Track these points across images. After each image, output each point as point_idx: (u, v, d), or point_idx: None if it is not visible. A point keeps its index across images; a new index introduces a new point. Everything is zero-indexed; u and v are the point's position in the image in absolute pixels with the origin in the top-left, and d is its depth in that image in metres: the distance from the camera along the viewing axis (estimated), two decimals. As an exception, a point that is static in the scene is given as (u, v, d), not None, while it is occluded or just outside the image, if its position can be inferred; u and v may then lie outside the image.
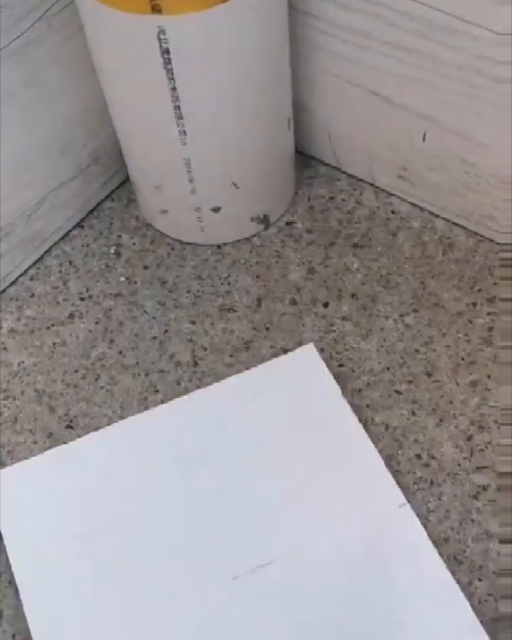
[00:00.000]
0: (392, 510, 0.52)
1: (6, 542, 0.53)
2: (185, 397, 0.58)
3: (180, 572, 0.51)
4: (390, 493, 0.53)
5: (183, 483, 0.54)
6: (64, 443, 0.58)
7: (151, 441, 0.56)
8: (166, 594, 0.50)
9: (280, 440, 0.55)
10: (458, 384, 0.59)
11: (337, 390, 0.57)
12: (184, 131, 0.56)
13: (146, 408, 0.59)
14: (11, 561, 0.52)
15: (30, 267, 0.67)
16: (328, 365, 0.59)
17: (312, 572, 0.50)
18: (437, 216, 0.66)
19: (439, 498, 0.54)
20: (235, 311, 0.63)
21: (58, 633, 0.50)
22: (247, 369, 0.59)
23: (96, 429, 0.57)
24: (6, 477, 0.55)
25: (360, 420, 0.57)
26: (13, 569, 0.52)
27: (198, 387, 0.59)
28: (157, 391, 0.60)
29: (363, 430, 0.55)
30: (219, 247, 0.67)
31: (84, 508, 0.53)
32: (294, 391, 0.57)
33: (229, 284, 0.65)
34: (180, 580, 0.51)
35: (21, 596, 0.51)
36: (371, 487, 0.53)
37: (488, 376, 0.59)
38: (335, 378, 0.58)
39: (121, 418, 0.58)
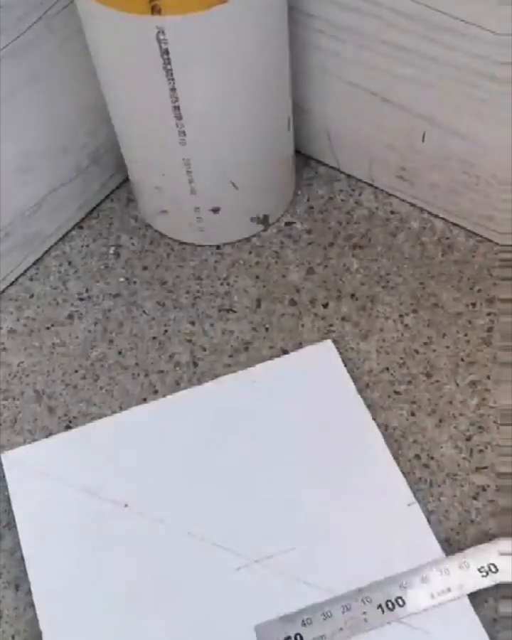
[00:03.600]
0: (401, 509, 0.52)
1: (18, 521, 0.53)
2: (202, 385, 0.58)
3: (187, 559, 0.51)
4: (399, 491, 0.53)
5: (195, 471, 0.54)
6: (63, 443, 0.58)
7: (164, 428, 0.56)
8: (173, 580, 0.50)
9: (293, 433, 0.55)
10: (457, 384, 0.59)
11: (352, 387, 0.57)
12: (183, 132, 0.56)
13: (146, 408, 0.59)
14: (21, 539, 0.53)
15: (29, 268, 0.67)
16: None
17: (317, 565, 0.50)
18: (437, 216, 0.66)
19: (439, 499, 0.54)
20: (235, 311, 0.63)
21: (64, 616, 0.50)
22: (245, 369, 0.59)
23: (95, 429, 0.58)
24: (14, 457, 0.56)
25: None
26: (23, 547, 0.53)
27: (198, 387, 0.60)
28: (156, 391, 0.60)
29: (376, 428, 0.55)
30: (218, 247, 0.67)
31: (94, 491, 0.54)
32: (310, 386, 0.57)
33: (228, 284, 0.65)
34: (187, 567, 0.51)
35: (29, 575, 0.51)
36: (380, 484, 0.53)
37: (488, 377, 0.59)
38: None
39: (121, 418, 0.59)
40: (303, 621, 0.47)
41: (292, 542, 0.51)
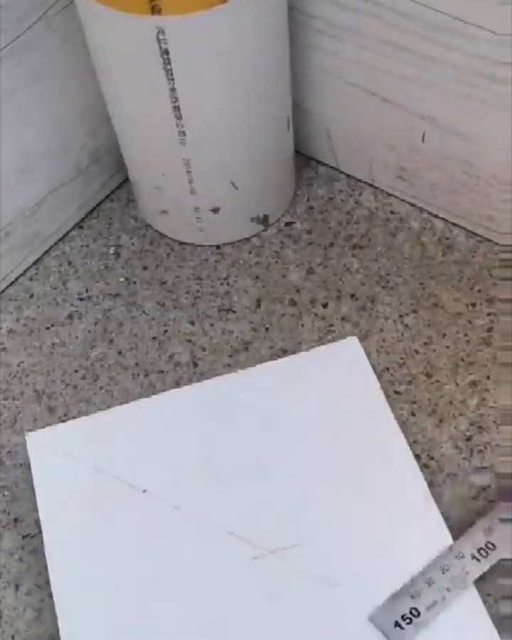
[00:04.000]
0: (417, 511, 0.52)
1: (39, 503, 0.54)
2: (221, 376, 0.58)
3: (203, 546, 0.51)
4: (418, 493, 0.53)
5: (214, 461, 0.54)
6: (63, 443, 0.58)
7: (185, 417, 0.56)
8: (189, 567, 0.51)
9: (315, 429, 0.55)
10: (457, 384, 0.59)
11: (377, 385, 0.57)
12: (183, 132, 0.56)
13: (146, 408, 0.59)
14: (41, 519, 0.53)
15: (29, 268, 0.67)
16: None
17: (331, 561, 0.50)
18: (436, 216, 0.66)
19: (439, 499, 0.54)
20: (234, 311, 0.63)
21: (81, 599, 0.50)
22: (244, 370, 0.59)
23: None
24: (38, 439, 0.56)
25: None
26: (42, 526, 0.53)
27: (198, 387, 0.60)
28: (156, 391, 0.60)
29: (398, 428, 0.55)
30: (218, 247, 0.67)
31: (115, 475, 0.54)
32: (334, 381, 0.57)
33: (228, 284, 0.65)
34: (203, 554, 0.51)
35: (47, 557, 0.52)
36: (399, 485, 0.53)
37: (488, 377, 0.59)
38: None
39: (121, 418, 0.59)
40: (411, 594, 0.48)
41: (309, 534, 0.51)
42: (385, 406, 0.56)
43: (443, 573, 0.48)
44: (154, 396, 0.58)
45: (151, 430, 0.56)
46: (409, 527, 0.51)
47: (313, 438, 0.55)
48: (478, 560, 0.49)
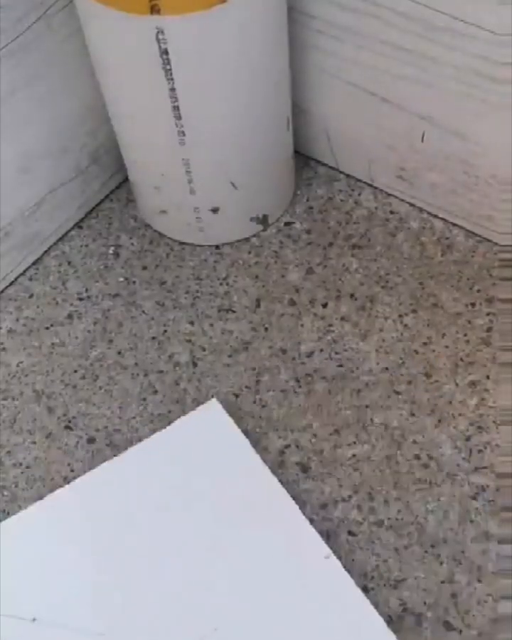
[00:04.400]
0: (318, 563, 0.51)
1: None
2: (103, 465, 0.55)
3: None
4: (314, 545, 0.51)
5: (102, 567, 0.52)
6: (63, 443, 0.58)
7: (72, 519, 0.53)
8: None
9: (199, 503, 0.53)
10: (457, 384, 0.59)
11: (246, 443, 0.55)
12: (183, 132, 0.56)
13: (145, 407, 0.59)
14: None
15: (29, 267, 0.67)
16: (326, 367, 0.59)
17: (245, 637, 0.49)
18: (436, 216, 0.66)
19: (438, 499, 0.54)
20: (234, 311, 0.63)
21: None
22: (245, 371, 0.59)
23: (95, 429, 0.58)
24: None
25: (358, 421, 0.57)
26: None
27: (197, 387, 0.59)
28: (156, 391, 0.60)
29: (279, 484, 0.53)
30: (218, 247, 0.67)
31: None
32: (204, 450, 0.55)
33: (228, 284, 0.65)
34: None
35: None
36: (295, 542, 0.52)
37: (487, 376, 0.59)
38: (331, 380, 0.57)
39: (120, 419, 0.59)
40: None
41: (214, 621, 0.49)
42: (261, 466, 0.54)
43: None
44: (21, 511, 0.54)
45: (28, 547, 0.52)
46: (313, 584, 0.50)
47: (201, 515, 0.53)
48: None
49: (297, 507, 0.52)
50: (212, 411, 0.57)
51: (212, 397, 0.57)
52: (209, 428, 0.56)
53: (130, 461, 0.55)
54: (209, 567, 0.51)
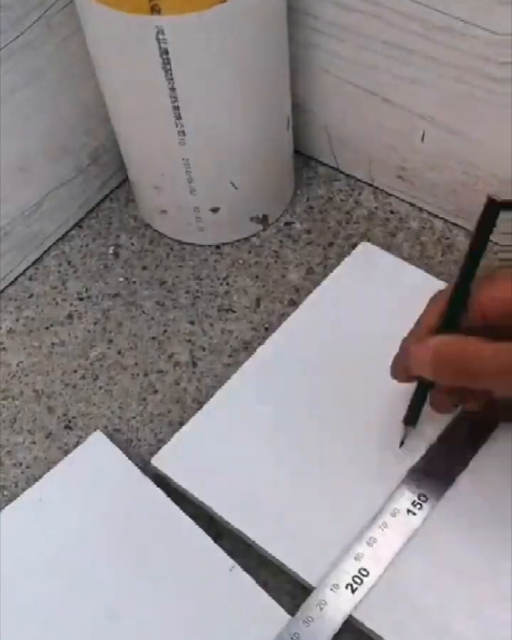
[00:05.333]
0: (224, 576, 0.50)
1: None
2: (12, 503, 0.54)
3: None
4: (218, 560, 0.50)
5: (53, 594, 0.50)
6: (63, 443, 0.58)
7: None
8: None
9: (103, 535, 0.52)
10: (457, 384, 0.58)
11: (134, 468, 0.54)
12: (183, 132, 0.56)
13: (145, 407, 0.59)
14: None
15: (28, 267, 0.67)
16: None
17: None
18: (436, 216, 0.66)
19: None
20: (234, 311, 0.63)
21: None
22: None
23: (95, 429, 0.57)
24: None
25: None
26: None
27: (197, 387, 0.59)
28: (156, 391, 0.60)
29: (173, 504, 0.52)
30: (218, 247, 0.67)
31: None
32: (96, 482, 0.54)
33: (228, 284, 0.65)
34: None
35: None
36: (198, 560, 0.50)
37: (487, 377, 0.59)
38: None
39: (120, 419, 0.58)
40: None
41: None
42: (152, 487, 0.53)
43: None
44: None
45: None
46: (222, 598, 0.49)
47: (106, 545, 0.51)
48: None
49: (195, 525, 0.51)
50: (98, 444, 0.55)
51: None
52: (97, 461, 0.55)
53: (23, 507, 0.54)
54: (116, 599, 0.50)
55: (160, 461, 0.54)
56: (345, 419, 0.54)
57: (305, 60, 0.62)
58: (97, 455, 0.55)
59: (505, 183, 0.59)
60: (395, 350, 0.48)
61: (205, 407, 0.56)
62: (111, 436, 0.57)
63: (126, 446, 0.57)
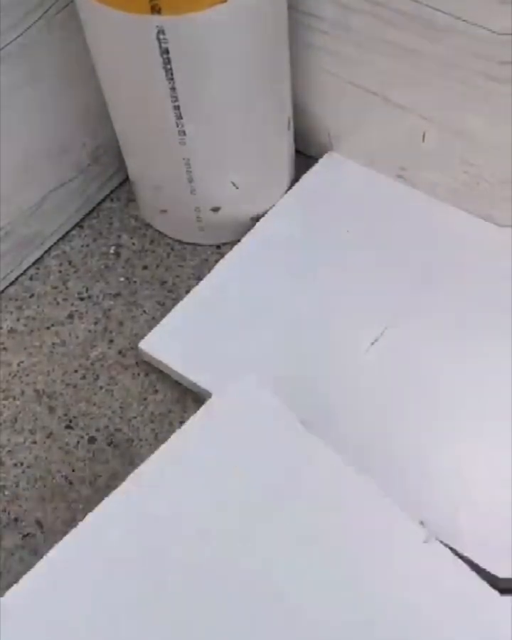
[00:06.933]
0: (418, 548, 0.46)
1: None
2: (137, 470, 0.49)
3: None
4: (411, 531, 0.46)
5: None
6: (64, 442, 0.58)
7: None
8: None
9: (261, 498, 0.48)
10: (457, 384, 0.59)
11: (293, 418, 0.49)
12: (183, 131, 0.56)
13: (146, 407, 0.59)
14: None
15: (29, 267, 0.67)
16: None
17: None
18: (437, 216, 0.66)
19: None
20: (235, 311, 0.63)
21: None
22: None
23: (96, 429, 0.57)
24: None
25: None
26: None
27: (198, 387, 0.60)
28: (156, 391, 0.60)
29: (352, 470, 0.47)
30: (218, 247, 0.67)
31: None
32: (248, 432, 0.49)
33: (228, 284, 0.65)
34: None
35: None
36: (390, 528, 0.47)
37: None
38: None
39: (121, 418, 0.59)
40: None
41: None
42: (315, 441, 0.48)
43: None
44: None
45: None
46: (416, 574, 0.46)
47: (266, 507, 0.47)
48: None
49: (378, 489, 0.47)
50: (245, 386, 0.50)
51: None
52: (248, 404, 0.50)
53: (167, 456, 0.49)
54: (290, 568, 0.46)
55: (148, 344, 0.53)
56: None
57: (306, 60, 0.62)
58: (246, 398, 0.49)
59: (506, 183, 0.59)
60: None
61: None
62: (112, 436, 0.57)
63: (127, 446, 0.57)
